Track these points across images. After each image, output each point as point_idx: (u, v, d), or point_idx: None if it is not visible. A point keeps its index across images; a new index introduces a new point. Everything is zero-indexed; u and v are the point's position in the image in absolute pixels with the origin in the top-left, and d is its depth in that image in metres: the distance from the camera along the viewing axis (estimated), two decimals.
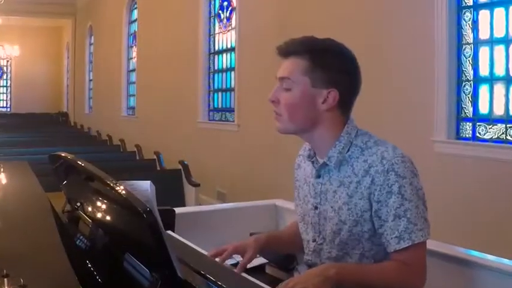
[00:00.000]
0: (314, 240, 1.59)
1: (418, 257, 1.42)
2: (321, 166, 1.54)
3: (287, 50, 1.53)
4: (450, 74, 3.51)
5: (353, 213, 1.46)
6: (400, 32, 3.93)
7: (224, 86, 7.09)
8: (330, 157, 1.51)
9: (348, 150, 1.50)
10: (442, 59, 3.52)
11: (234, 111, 6.58)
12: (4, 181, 2.07)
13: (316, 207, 1.57)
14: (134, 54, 10.94)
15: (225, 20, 7.05)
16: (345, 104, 1.52)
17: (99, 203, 1.25)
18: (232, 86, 6.72)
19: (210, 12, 7.44)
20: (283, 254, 1.87)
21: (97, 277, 1.08)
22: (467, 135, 3.51)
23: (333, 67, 1.49)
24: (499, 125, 3.35)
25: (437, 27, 3.55)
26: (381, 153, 1.44)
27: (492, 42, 3.38)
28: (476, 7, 3.45)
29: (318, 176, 1.56)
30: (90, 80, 14.79)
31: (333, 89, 1.48)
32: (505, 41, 3.31)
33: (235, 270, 1.53)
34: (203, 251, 1.57)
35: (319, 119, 1.51)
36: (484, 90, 3.44)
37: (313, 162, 1.58)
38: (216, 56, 7.30)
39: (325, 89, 1.48)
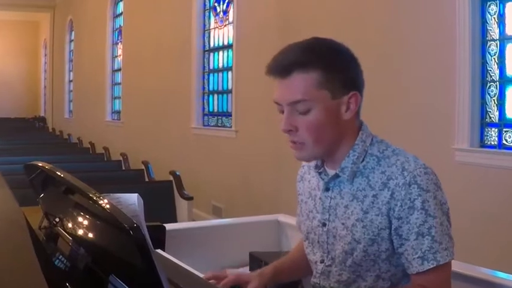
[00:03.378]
0: (322, 261, 1.57)
1: (443, 280, 1.41)
2: (331, 178, 1.53)
3: (288, 65, 1.43)
4: (473, 74, 3.52)
5: (368, 231, 1.45)
6: (416, 28, 3.94)
7: (220, 88, 7.10)
8: (343, 168, 1.49)
9: (363, 160, 1.49)
10: (465, 57, 3.53)
11: (231, 115, 6.59)
12: None
13: (324, 224, 1.55)
14: (120, 52, 10.97)
15: (221, 13, 7.07)
16: (360, 107, 1.51)
17: (80, 219, 1.25)
18: (230, 87, 6.74)
19: (204, 5, 7.47)
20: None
21: None
22: (492, 143, 3.51)
23: (346, 68, 1.47)
24: None
25: (458, 22, 3.56)
26: (401, 164, 1.43)
27: None
28: None
29: (327, 189, 1.54)
30: (71, 81, 14.82)
31: (353, 91, 1.46)
32: None
33: None
34: (197, 272, 1.57)
35: (344, 131, 1.49)
36: (511, 92, 3.45)
37: (320, 173, 1.57)
38: (212, 54, 7.32)
39: (345, 96, 1.46)
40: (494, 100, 3.51)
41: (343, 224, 1.50)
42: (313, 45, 1.47)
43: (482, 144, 3.55)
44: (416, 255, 1.39)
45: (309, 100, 1.42)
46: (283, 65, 1.44)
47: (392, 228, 1.42)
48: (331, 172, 1.53)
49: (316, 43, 1.48)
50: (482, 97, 3.55)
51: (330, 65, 1.44)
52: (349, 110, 1.46)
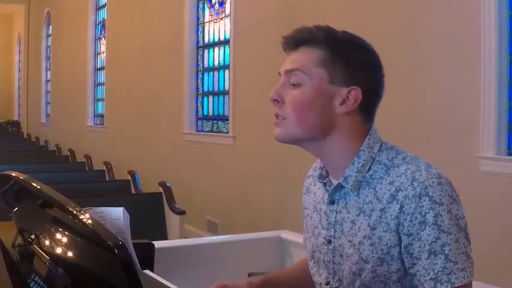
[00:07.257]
0: (328, 283, 1.57)
1: None
2: (335, 189, 1.53)
3: (298, 39, 1.52)
4: (500, 73, 3.52)
5: (377, 249, 1.44)
6: (435, 20, 3.95)
7: (216, 89, 7.11)
8: (346, 177, 1.49)
9: (370, 169, 1.48)
10: (490, 54, 3.53)
11: (228, 120, 6.60)
12: None
13: (329, 242, 1.55)
14: (103, 48, 10.99)
15: (217, 5, 7.09)
16: (367, 109, 1.52)
17: (59, 236, 1.25)
18: (226, 88, 6.74)
19: None
20: None
21: None
22: None
23: (356, 63, 1.49)
24: None
25: (483, 14, 3.56)
26: (411, 174, 1.43)
27: None
28: None
29: (332, 202, 1.54)
30: (48, 81, 14.85)
31: (355, 87, 1.48)
32: None
33: None
34: None
35: (334, 125, 1.50)
36: None
37: (325, 184, 1.56)
38: (206, 51, 7.33)
39: (345, 87, 1.48)
40: None
41: (349, 241, 1.50)
42: (330, 29, 1.54)
43: (510, 152, 3.55)
44: (429, 277, 1.38)
45: (304, 73, 1.49)
46: (295, 39, 1.53)
47: (402, 246, 1.42)
48: (335, 182, 1.54)
49: (340, 32, 1.54)
50: (510, 99, 3.55)
51: (339, 51, 1.49)
52: (344, 104, 1.48)
